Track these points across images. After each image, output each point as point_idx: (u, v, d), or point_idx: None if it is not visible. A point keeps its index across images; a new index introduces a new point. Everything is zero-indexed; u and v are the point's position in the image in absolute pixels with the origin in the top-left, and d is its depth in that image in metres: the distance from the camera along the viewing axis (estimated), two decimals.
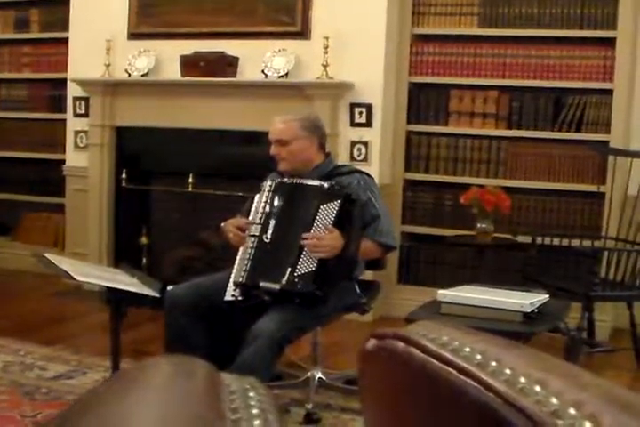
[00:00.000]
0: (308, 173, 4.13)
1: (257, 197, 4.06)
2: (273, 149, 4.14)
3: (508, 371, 0.76)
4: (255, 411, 0.64)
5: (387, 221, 4.15)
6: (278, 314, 3.74)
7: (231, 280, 3.90)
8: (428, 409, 0.86)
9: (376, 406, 1.00)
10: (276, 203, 4.00)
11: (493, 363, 0.78)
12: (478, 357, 0.79)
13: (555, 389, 0.72)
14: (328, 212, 3.84)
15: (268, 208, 3.99)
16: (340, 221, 3.83)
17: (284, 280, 3.78)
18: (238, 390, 0.67)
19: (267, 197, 4.02)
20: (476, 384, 0.76)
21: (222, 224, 4.12)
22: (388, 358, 0.91)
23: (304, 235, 3.81)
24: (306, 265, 3.79)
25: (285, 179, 4.09)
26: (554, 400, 0.70)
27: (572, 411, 0.68)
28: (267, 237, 3.94)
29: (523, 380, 0.74)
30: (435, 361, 0.82)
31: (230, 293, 3.89)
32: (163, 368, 0.71)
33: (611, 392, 0.72)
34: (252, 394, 0.67)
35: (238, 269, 3.91)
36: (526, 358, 0.82)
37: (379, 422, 0.99)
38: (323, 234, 3.78)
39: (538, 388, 0.72)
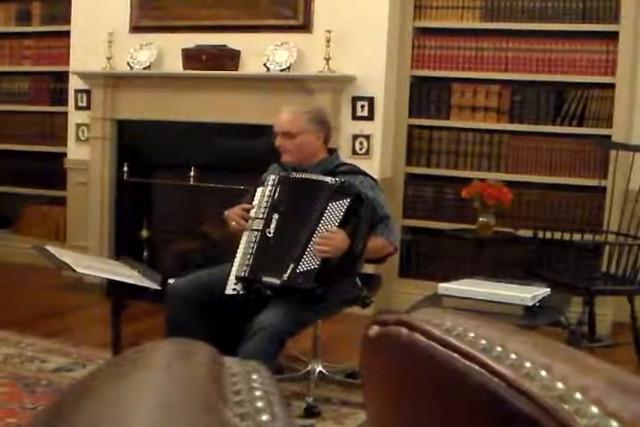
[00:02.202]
0: (312, 167, 4.11)
1: (259, 189, 4.04)
2: (279, 141, 4.12)
3: (513, 356, 0.75)
4: (258, 393, 0.63)
5: (392, 224, 4.15)
6: (280, 308, 3.73)
7: (232, 274, 3.89)
8: (432, 395, 0.86)
9: (379, 392, 1.00)
10: (280, 197, 3.96)
11: (498, 348, 0.77)
12: (483, 342, 0.79)
13: (560, 373, 0.71)
14: (336, 210, 3.80)
15: (271, 202, 3.96)
16: (348, 220, 3.80)
17: (285, 276, 3.77)
18: (240, 373, 0.67)
19: (270, 191, 3.99)
20: (480, 369, 0.75)
21: (226, 212, 4.10)
22: (391, 345, 0.91)
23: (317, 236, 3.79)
24: (309, 262, 3.77)
25: (291, 173, 4.05)
26: (559, 385, 0.70)
27: (577, 396, 0.68)
28: (269, 232, 3.91)
29: (528, 365, 0.73)
30: (439, 346, 0.81)
31: (232, 286, 3.88)
32: (163, 350, 0.71)
33: (616, 377, 0.71)
34: (254, 377, 0.66)
35: (240, 264, 3.89)
36: (531, 343, 0.81)
37: (382, 410, 0.99)
38: (331, 234, 3.76)
39: (543, 373, 0.72)
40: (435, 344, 0.82)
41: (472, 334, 0.81)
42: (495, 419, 0.74)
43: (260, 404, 0.62)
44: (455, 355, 0.79)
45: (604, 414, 0.65)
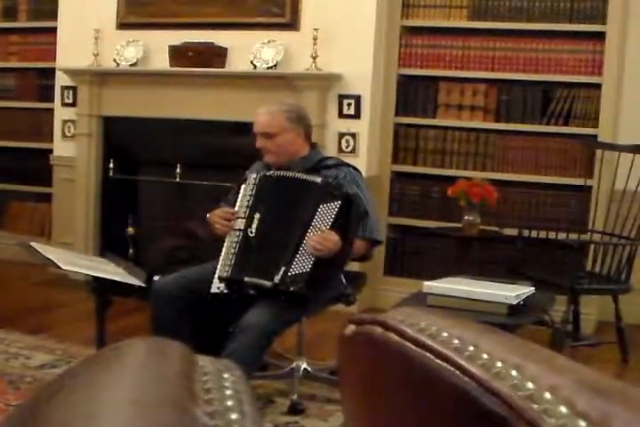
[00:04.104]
0: (294, 163, 4.09)
1: (242, 188, 4.02)
2: (259, 142, 4.09)
3: (484, 356, 0.76)
4: (229, 392, 0.64)
5: (374, 216, 4.12)
6: (266, 307, 3.72)
7: (216, 274, 3.88)
8: (405, 393, 0.86)
9: (355, 390, 1.00)
10: (262, 196, 3.95)
11: (471, 348, 0.78)
12: (456, 342, 0.79)
13: (531, 373, 0.72)
14: (327, 212, 3.77)
15: (252, 202, 3.94)
16: (337, 222, 3.79)
17: (276, 279, 3.74)
18: (212, 372, 0.67)
19: (252, 190, 3.96)
20: (452, 369, 0.76)
21: (208, 215, 4.09)
22: (366, 343, 0.91)
23: (310, 236, 3.78)
24: (301, 265, 3.74)
25: (273, 171, 4.03)
26: (529, 385, 0.70)
27: (547, 395, 0.68)
28: (251, 232, 3.89)
29: (499, 364, 0.74)
30: (412, 346, 0.82)
31: (216, 285, 3.87)
32: (136, 349, 0.71)
33: (585, 377, 0.72)
34: (226, 375, 0.67)
35: (223, 264, 3.87)
36: (504, 343, 0.82)
37: (356, 407, 0.99)
38: (326, 235, 3.75)
39: (514, 372, 0.72)
40: (408, 344, 0.83)
41: (445, 334, 0.81)
42: (465, 418, 0.74)
43: (229, 402, 0.62)
44: (428, 354, 0.79)
45: (573, 414, 0.66)
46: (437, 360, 0.78)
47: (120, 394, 0.61)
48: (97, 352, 0.77)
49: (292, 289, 3.73)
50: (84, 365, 0.74)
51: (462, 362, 0.76)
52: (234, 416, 0.60)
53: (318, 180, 3.87)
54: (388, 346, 0.86)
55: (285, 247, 3.79)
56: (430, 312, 0.92)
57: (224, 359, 0.72)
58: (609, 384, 0.71)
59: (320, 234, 3.74)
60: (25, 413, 0.66)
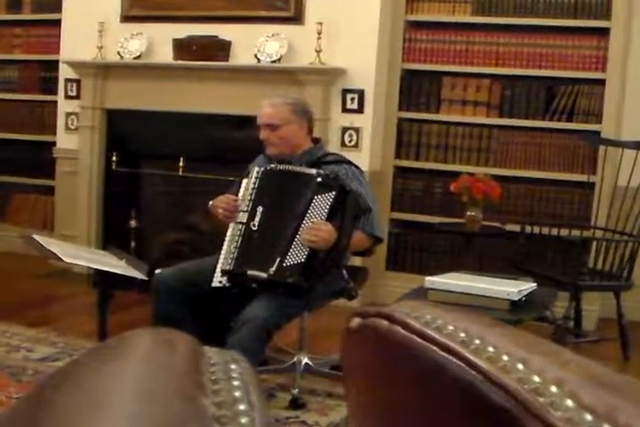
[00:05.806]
0: (297, 157, 4.11)
1: (244, 182, 4.04)
2: (262, 134, 4.12)
3: (491, 349, 0.76)
4: (236, 383, 0.64)
5: (375, 214, 4.14)
6: (267, 301, 3.73)
7: (218, 267, 3.89)
8: (410, 387, 0.86)
9: (359, 384, 1.00)
10: (263, 190, 3.97)
11: (477, 341, 0.78)
12: (462, 335, 0.79)
13: (537, 367, 0.72)
14: (322, 203, 3.80)
15: (255, 195, 3.96)
16: (333, 213, 3.81)
17: (272, 270, 3.77)
18: (219, 362, 0.67)
19: (254, 183, 3.99)
20: (458, 362, 0.76)
21: (210, 202, 4.11)
22: (371, 336, 0.91)
23: (304, 227, 3.79)
24: (295, 256, 3.77)
25: (274, 165, 4.05)
26: (535, 378, 0.70)
27: (553, 389, 0.68)
28: (254, 225, 3.91)
29: (505, 358, 0.74)
30: (418, 339, 0.82)
31: (218, 279, 3.88)
32: (143, 339, 0.71)
33: (591, 370, 0.72)
34: (233, 366, 0.67)
35: (225, 257, 3.89)
36: (510, 336, 0.82)
37: (361, 401, 0.99)
38: (319, 225, 3.76)
39: (520, 366, 0.72)
40: (413, 336, 0.83)
41: (451, 327, 0.81)
42: (471, 411, 0.74)
43: (237, 393, 0.62)
44: (433, 347, 0.79)
45: (579, 407, 0.66)
46: (443, 353, 0.78)
47: (127, 384, 0.61)
48: (103, 343, 0.77)
49: (289, 280, 3.75)
50: (91, 355, 0.74)
51: (468, 355, 0.76)
52: (242, 407, 0.60)
53: (313, 171, 3.90)
54: (393, 339, 0.86)
55: (282, 239, 3.82)
56: (436, 306, 0.92)
57: (230, 351, 0.72)
58: (615, 378, 0.71)
59: (314, 225, 3.77)
60: (32, 401, 0.66)
